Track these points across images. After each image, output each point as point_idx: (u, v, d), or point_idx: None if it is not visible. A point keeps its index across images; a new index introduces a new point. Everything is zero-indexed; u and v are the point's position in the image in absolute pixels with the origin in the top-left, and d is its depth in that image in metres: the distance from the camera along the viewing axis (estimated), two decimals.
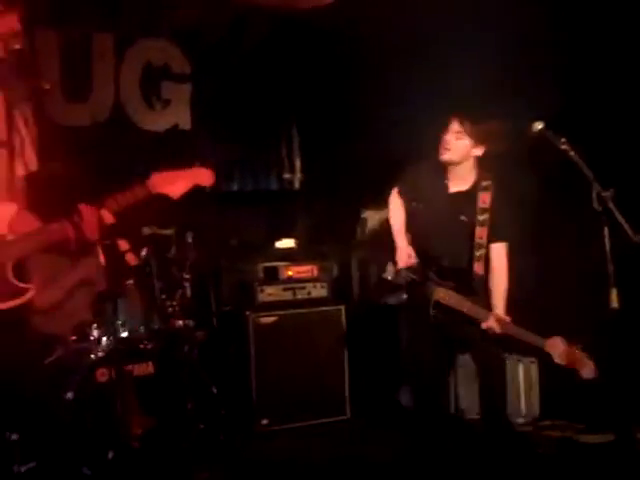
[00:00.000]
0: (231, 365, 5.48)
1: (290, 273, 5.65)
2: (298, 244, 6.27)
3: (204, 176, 3.10)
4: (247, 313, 5.43)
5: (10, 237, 2.88)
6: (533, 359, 5.36)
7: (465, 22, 5.53)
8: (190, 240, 5.22)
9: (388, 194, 4.81)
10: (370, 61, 6.22)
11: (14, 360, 3.00)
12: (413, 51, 5.84)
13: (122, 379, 3.19)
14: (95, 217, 2.79)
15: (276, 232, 6.52)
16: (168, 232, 5.36)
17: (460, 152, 4.49)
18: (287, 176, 6.98)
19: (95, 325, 4.81)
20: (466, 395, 5.52)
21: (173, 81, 6.35)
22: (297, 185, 7.01)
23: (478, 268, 4.48)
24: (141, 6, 6.18)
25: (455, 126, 4.48)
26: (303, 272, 5.68)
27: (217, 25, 6.55)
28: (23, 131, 3.01)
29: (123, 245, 2.68)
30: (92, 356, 4.48)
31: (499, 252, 4.47)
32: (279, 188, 6.93)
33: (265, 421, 5.29)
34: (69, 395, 4.20)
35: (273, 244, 6.24)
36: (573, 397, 5.06)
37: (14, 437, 4.39)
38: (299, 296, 5.62)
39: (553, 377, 5.25)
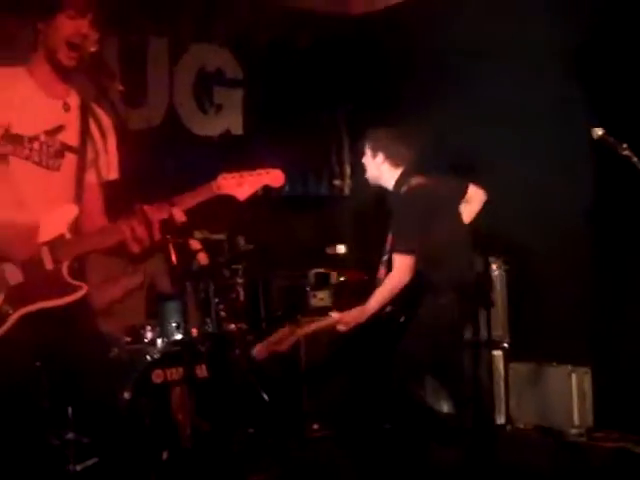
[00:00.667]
0: (282, 369, 5.48)
1: (341, 278, 5.65)
2: (348, 250, 6.28)
3: (274, 177, 3.00)
4: (299, 317, 5.43)
5: (68, 237, 2.90)
6: (587, 369, 5.30)
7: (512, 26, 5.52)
8: (242, 244, 5.27)
9: None
10: (422, 66, 6.21)
11: (71, 357, 3.02)
12: (467, 54, 5.82)
13: (190, 380, 3.18)
14: (157, 217, 2.80)
15: (326, 238, 6.54)
16: (220, 237, 5.41)
17: (374, 169, 4.56)
18: (337, 182, 7.01)
19: (149, 327, 4.87)
20: (516, 405, 5.49)
21: (226, 86, 6.41)
22: (347, 191, 7.03)
23: (380, 273, 4.49)
24: (195, 11, 6.25)
25: (365, 147, 4.60)
26: (354, 277, 5.68)
27: (269, 30, 6.60)
28: (98, 140, 3.01)
29: (195, 244, 2.67)
30: (148, 357, 4.52)
31: (394, 263, 4.33)
32: (329, 194, 6.95)
33: (316, 426, 5.28)
34: (126, 395, 4.25)
35: (323, 250, 6.26)
36: (628, 407, 5.00)
37: (70, 436, 4.47)
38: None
39: (607, 387, 5.21)
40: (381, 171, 4.55)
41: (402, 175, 4.48)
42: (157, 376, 4.42)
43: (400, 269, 4.29)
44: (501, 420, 5.44)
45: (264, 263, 5.79)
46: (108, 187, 3.13)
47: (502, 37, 5.46)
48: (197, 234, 5.15)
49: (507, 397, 5.49)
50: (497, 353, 5.43)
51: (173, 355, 4.52)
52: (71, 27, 2.80)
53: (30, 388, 2.95)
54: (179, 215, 2.74)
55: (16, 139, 2.84)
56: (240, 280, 5.12)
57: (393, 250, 4.36)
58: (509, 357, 5.53)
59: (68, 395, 4.32)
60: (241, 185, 2.95)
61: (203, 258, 2.66)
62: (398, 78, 6.45)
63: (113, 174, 3.11)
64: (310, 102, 6.68)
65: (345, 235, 6.75)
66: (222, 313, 4.97)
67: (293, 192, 6.75)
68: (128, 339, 4.90)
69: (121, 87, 2.78)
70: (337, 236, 6.65)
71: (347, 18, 6.86)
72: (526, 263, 5.57)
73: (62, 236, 2.88)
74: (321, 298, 5.57)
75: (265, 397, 4.88)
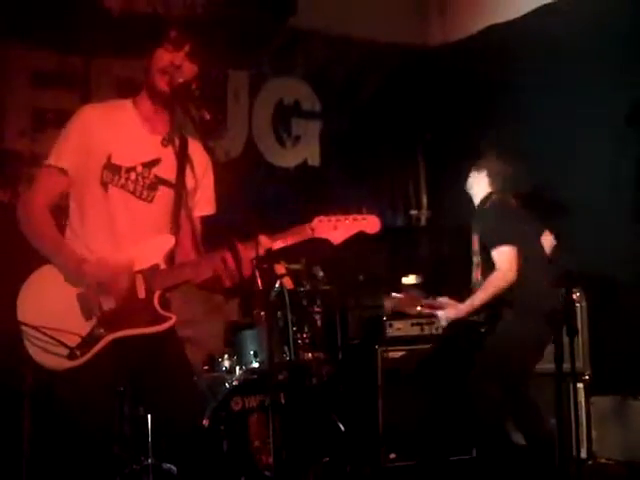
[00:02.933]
0: (358, 398, 5.48)
1: (418, 308, 5.61)
2: (424, 280, 6.25)
3: (370, 223, 3.05)
4: (376, 347, 5.43)
5: (163, 267, 2.96)
6: None
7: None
8: (321, 274, 5.30)
9: None
10: (497, 95, 6.19)
11: (156, 385, 3.07)
12: (544, 85, 5.80)
13: (274, 408, 3.21)
14: (248, 255, 2.83)
15: (402, 268, 6.52)
16: (297, 267, 5.43)
17: (474, 181, 4.85)
18: (414, 212, 7.01)
19: (226, 355, 4.93)
20: (599, 439, 5.36)
21: (303, 118, 6.50)
22: (423, 221, 7.02)
23: (476, 274, 4.63)
24: (274, 46, 6.36)
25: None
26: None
27: (346, 63, 6.68)
28: (197, 175, 3.07)
29: (280, 269, 2.71)
30: (226, 385, 4.57)
31: (495, 259, 4.45)
32: (406, 224, 6.95)
33: (393, 455, 5.25)
34: (204, 422, 4.29)
35: (399, 280, 6.24)
36: None
37: (149, 461, 4.54)
38: (427, 331, 5.58)
39: None
40: (479, 186, 4.80)
41: (490, 193, 4.73)
42: (236, 404, 4.48)
43: (504, 262, 4.38)
44: (583, 454, 5.31)
45: (341, 293, 5.80)
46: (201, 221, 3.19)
47: (587, 65, 5.44)
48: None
49: (589, 431, 5.36)
50: (579, 385, 5.32)
51: (251, 383, 4.57)
52: (166, 59, 2.94)
53: (113, 412, 3.01)
54: (265, 241, 2.79)
55: (115, 169, 2.96)
56: (318, 309, 5.14)
57: (489, 246, 4.48)
58: (590, 390, 5.41)
59: (149, 421, 4.46)
60: (336, 229, 3.00)
61: (288, 282, 2.69)
62: (476, 108, 6.43)
63: (210, 209, 3.17)
64: (387, 133, 6.71)
65: (422, 266, 6.73)
66: (300, 342, 4.99)
67: None
68: (205, 367, 4.97)
69: (208, 116, 2.85)
70: (414, 267, 6.62)
71: (425, 49, 6.89)
72: (608, 294, 5.46)
73: (157, 266, 2.94)
74: (398, 328, 5.55)
75: (341, 427, 4.87)
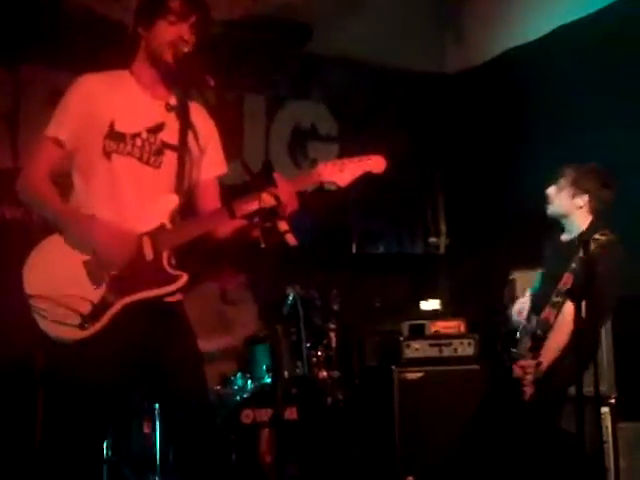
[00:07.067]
0: (374, 420, 5.32)
1: (437, 328, 5.48)
2: (443, 307, 6.12)
3: (376, 163, 3.05)
4: (392, 368, 5.28)
5: (169, 226, 2.89)
6: None
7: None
8: (335, 291, 5.19)
9: (538, 254, 4.62)
10: (516, 119, 6.13)
11: (167, 360, 2.91)
12: (563, 108, 5.73)
13: (279, 420, 3.12)
14: (292, 189, 2.82)
15: (420, 296, 6.40)
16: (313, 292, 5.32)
17: (561, 204, 4.35)
18: (432, 240, 6.91)
19: (239, 374, 4.79)
20: (627, 467, 5.15)
21: (320, 141, 6.46)
22: (442, 249, 6.91)
23: (548, 314, 4.19)
24: (291, 70, 6.37)
25: (564, 179, 4.37)
26: (450, 327, 5.50)
27: (362, 88, 6.67)
28: (202, 138, 3.03)
29: (283, 226, 2.61)
30: (237, 398, 4.44)
31: (568, 309, 4.08)
32: (424, 252, 6.85)
33: (410, 478, 5.07)
34: None
35: (417, 307, 6.11)
36: None
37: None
38: (445, 353, 5.41)
39: None
40: (574, 215, 4.35)
41: (592, 224, 4.29)
42: (246, 416, 4.35)
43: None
44: None
45: (357, 318, 5.71)
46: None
47: (607, 85, 5.37)
48: (289, 289, 5.06)
49: (616, 458, 5.13)
50: (604, 410, 5.11)
51: (263, 396, 4.44)
52: (174, 32, 2.88)
53: (124, 384, 2.91)
54: (267, 199, 2.71)
55: (119, 137, 2.89)
56: (332, 325, 5.01)
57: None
58: (617, 415, 5.20)
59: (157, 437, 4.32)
60: (342, 171, 3.03)
61: (291, 239, 2.58)
62: (494, 135, 6.37)
63: (222, 169, 3.13)
64: (405, 159, 6.64)
65: (440, 293, 6.60)
66: (314, 359, 4.86)
67: (388, 250, 6.69)
68: (218, 387, 4.82)
69: (212, 82, 2.79)
70: (432, 294, 6.50)
71: (442, 75, 6.88)
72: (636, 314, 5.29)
73: (163, 226, 2.88)
74: (416, 348, 5.40)
75: (355, 451, 4.72)
